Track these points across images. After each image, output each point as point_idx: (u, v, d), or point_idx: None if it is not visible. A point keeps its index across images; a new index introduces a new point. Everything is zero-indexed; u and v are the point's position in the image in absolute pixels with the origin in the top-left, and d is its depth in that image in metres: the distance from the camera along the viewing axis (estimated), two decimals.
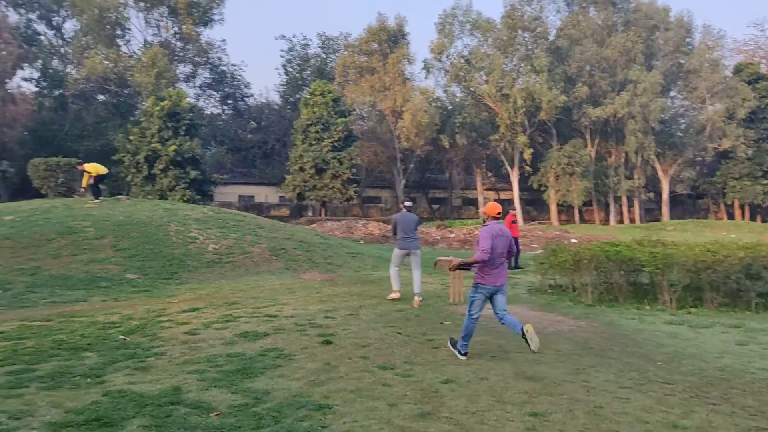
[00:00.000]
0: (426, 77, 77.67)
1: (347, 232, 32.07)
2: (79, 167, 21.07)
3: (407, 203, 11.82)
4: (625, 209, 56.12)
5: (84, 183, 20.39)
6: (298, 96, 58.63)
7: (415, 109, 46.95)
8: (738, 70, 56.36)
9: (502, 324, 7.15)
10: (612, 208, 55.64)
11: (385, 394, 5.65)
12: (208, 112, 59.88)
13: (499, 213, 7.26)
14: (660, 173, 55.93)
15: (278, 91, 62.45)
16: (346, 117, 46.32)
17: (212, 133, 56.70)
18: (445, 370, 6.41)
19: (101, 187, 21.83)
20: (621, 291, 11.28)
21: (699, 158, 59.00)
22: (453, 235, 30.01)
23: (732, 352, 7.47)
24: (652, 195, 57.04)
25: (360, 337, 8.07)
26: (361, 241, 28.63)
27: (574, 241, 28.58)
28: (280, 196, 58.49)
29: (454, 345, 7.20)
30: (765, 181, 53.81)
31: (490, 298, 7.07)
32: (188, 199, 41.04)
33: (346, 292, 12.70)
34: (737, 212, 60.15)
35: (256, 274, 15.25)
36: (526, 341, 6.74)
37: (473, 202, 61.87)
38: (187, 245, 16.57)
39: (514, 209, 18.62)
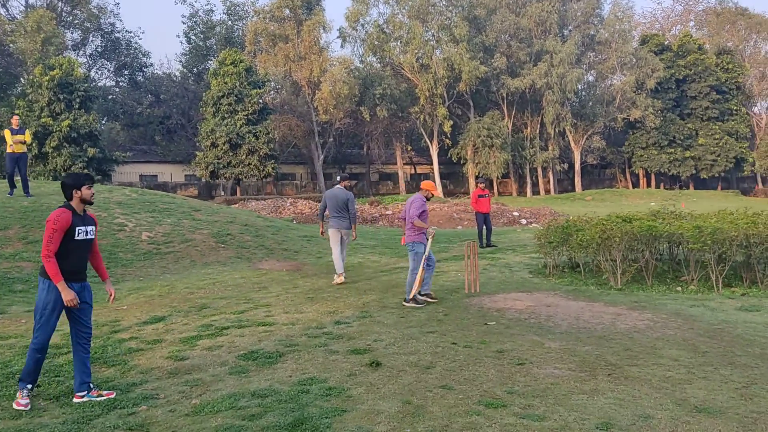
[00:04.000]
0: (342, 46, 75.07)
1: (275, 212, 29.65)
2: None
3: (338, 178, 11.08)
4: (541, 180, 56.59)
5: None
6: (203, 66, 54.72)
7: (333, 80, 44.61)
8: (644, 41, 57.89)
9: None
10: (528, 179, 55.93)
11: None
12: (100, 83, 54.65)
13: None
14: (572, 144, 56.72)
15: (180, 61, 58.01)
16: (260, 88, 43.30)
17: (105, 107, 51.71)
18: (577, 404, 4.67)
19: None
20: (649, 271, 9.97)
21: (607, 129, 60.38)
22: (390, 212, 28.34)
23: None
24: (566, 166, 57.83)
25: (409, 352, 6.20)
26: (294, 221, 26.40)
27: (516, 214, 27.71)
28: (187, 175, 54.63)
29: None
30: (670, 150, 55.74)
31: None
32: None
33: (328, 284, 10.73)
34: (642, 181, 62.37)
35: (206, 266, 12.90)
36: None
37: (390, 177, 60.52)
38: (115, 234, 13.88)
39: (483, 182, 17.05)
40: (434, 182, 7.85)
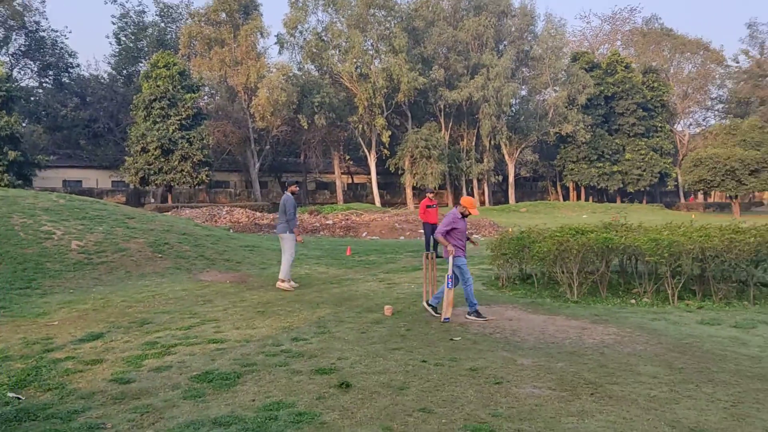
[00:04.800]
0: (280, 53, 73.96)
1: (210, 220, 28.70)
2: None
3: (286, 184, 11.78)
4: (476, 192, 57.27)
5: None
6: (133, 69, 52.76)
7: (271, 86, 43.77)
8: (575, 58, 59.58)
9: None
10: (464, 191, 56.48)
11: None
12: (23, 84, 51.78)
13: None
14: (506, 157, 57.67)
15: (109, 63, 55.74)
16: (195, 92, 42.03)
17: (27, 109, 48.99)
18: (569, 428, 4.41)
19: None
20: (604, 284, 9.94)
21: (540, 143, 61.73)
22: (331, 222, 27.86)
23: None
24: (500, 178, 58.73)
25: (378, 372, 5.82)
26: (231, 230, 25.57)
27: None
28: (114, 181, 52.49)
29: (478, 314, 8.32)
30: (599, 164, 57.47)
31: None
32: (6, 184, 34.96)
33: (277, 297, 10.23)
34: (572, 193, 64.06)
35: (142, 277, 12.12)
36: None
37: (328, 186, 59.95)
38: (42, 242, 12.90)
39: (432, 193, 16.84)
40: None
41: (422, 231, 24.68)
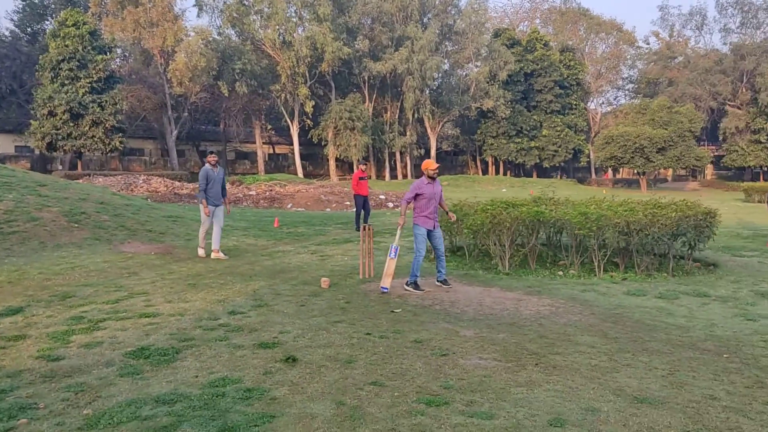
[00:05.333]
0: (198, 16, 70.95)
1: (126, 189, 27.52)
2: None
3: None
4: (398, 165, 57.55)
5: None
6: (39, 27, 49.42)
7: (189, 51, 42.12)
8: (497, 34, 60.41)
9: None
10: (387, 163, 56.64)
11: None
12: None
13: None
14: (429, 131, 58.15)
15: (12, 20, 51.99)
16: (107, 54, 39.85)
17: None
18: (520, 398, 4.46)
19: None
20: (534, 256, 10.19)
21: (462, 117, 62.53)
22: (254, 193, 27.29)
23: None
24: (422, 151, 59.21)
25: (323, 345, 5.72)
26: (149, 200, 24.60)
27: (383, 197, 27.79)
28: (17, 146, 49.34)
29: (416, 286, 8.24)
30: (518, 140, 58.92)
31: None
32: None
33: (208, 269, 9.92)
34: (491, 168, 65.50)
35: (59, 248, 11.45)
36: None
37: (248, 156, 58.60)
38: None
39: (365, 164, 16.70)
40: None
41: (349, 203, 24.63)
